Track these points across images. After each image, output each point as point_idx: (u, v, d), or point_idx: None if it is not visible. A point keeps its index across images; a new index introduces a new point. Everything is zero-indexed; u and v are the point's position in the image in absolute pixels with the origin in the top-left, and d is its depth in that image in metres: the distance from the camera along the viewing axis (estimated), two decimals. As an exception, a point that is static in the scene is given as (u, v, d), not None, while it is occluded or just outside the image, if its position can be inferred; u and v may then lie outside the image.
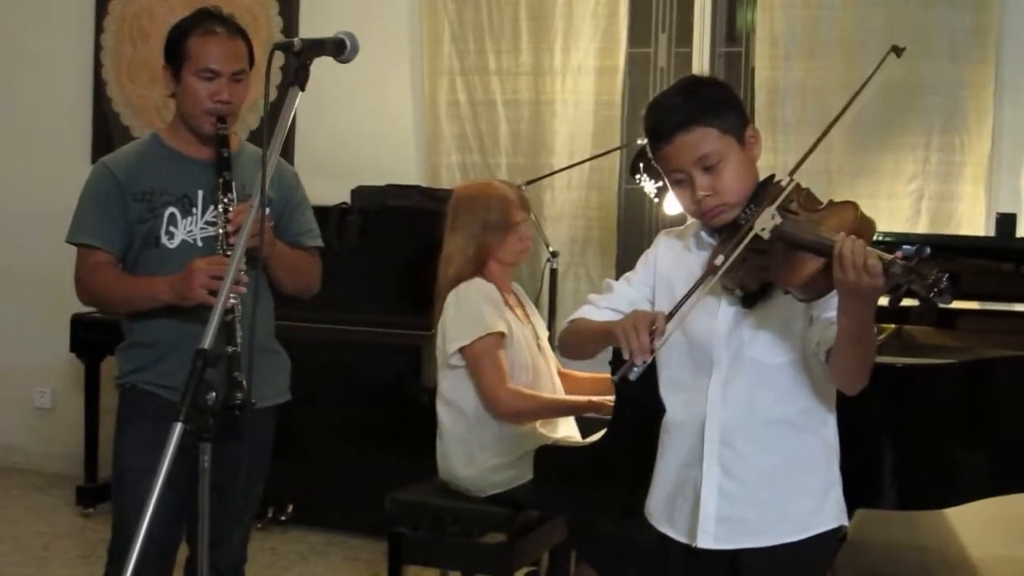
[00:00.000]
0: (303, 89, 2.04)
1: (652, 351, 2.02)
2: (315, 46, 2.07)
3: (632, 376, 2.02)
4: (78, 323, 4.90)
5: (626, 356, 2.04)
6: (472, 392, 3.28)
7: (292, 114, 2.03)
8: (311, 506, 4.74)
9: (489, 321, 3.24)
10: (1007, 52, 4.31)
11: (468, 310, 3.26)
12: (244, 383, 2.34)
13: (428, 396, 4.35)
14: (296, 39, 2.07)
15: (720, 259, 2.08)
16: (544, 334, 3.53)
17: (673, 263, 2.28)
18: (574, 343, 2.37)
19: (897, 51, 2.11)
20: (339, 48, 2.08)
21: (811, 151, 2.14)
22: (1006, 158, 4.32)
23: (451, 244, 3.39)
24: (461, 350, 3.25)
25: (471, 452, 3.27)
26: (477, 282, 3.31)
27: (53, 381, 5.66)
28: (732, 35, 4.81)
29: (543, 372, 3.38)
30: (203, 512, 1.97)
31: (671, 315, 2.07)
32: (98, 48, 5.54)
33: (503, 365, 3.23)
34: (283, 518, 4.72)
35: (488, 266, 3.36)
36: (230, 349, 2.48)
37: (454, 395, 3.32)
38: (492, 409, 3.24)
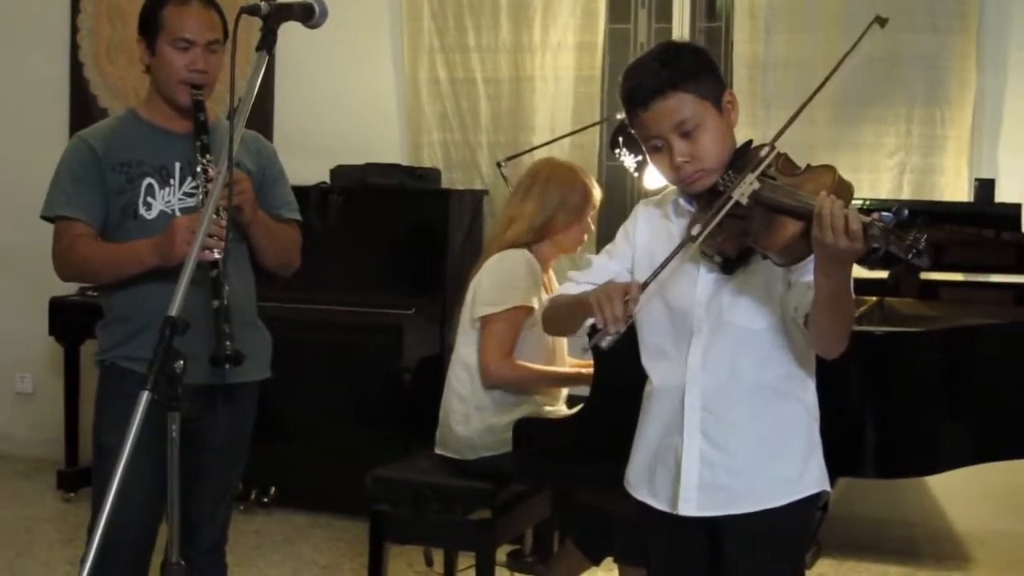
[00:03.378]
0: (270, 53, 2.02)
1: (625, 321, 2.01)
2: (282, 10, 2.05)
3: (604, 344, 2.01)
4: (57, 306, 4.87)
5: (600, 326, 2.03)
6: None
7: (259, 78, 2.01)
8: (294, 488, 4.72)
9: (524, 294, 3.23)
10: (988, 23, 4.29)
11: (508, 279, 3.25)
12: (232, 334, 2.40)
13: (410, 376, 4.36)
14: (263, 3, 2.04)
15: (698, 228, 2.06)
16: None
17: (653, 232, 2.26)
18: (554, 318, 2.37)
19: (881, 21, 2.06)
20: (307, 12, 2.06)
21: (792, 120, 2.10)
22: (987, 128, 4.31)
23: (519, 208, 3.36)
24: (485, 315, 3.24)
25: (468, 411, 3.26)
26: (525, 254, 3.30)
27: (34, 366, 5.62)
28: (712, 10, 4.77)
29: (559, 354, 3.38)
30: (172, 482, 1.94)
31: (647, 283, 2.07)
32: (75, 30, 5.48)
33: (511, 339, 3.22)
34: (266, 500, 4.70)
35: (543, 244, 3.35)
36: (216, 303, 2.47)
37: (465, 353, 3.30)
38: (482, 373, 3.23)
